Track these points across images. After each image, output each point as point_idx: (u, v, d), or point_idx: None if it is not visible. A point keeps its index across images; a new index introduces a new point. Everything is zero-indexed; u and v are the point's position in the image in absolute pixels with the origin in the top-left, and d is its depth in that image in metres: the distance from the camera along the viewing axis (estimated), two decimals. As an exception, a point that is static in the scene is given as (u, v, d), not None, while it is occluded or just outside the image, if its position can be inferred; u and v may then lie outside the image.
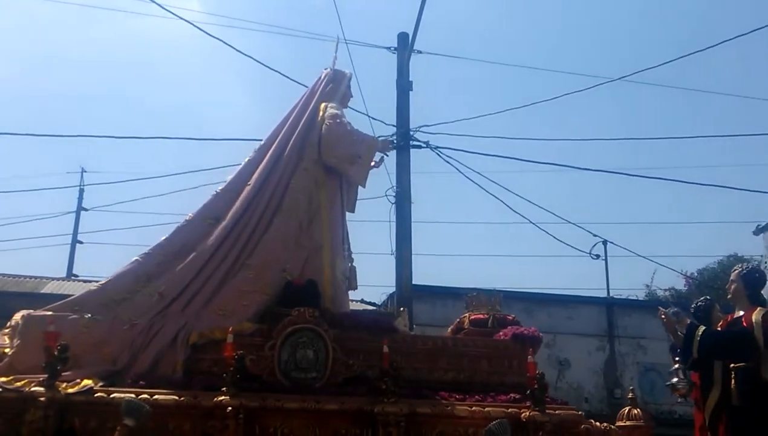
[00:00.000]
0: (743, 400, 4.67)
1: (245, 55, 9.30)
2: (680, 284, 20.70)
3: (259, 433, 3.69)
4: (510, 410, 4.01)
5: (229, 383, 3.66)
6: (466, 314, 4.96)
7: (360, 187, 5.10)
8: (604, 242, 12.79)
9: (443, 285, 11.56)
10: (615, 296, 13.49)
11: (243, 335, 4.05)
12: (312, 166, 4.72)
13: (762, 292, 5.26)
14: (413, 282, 9.97)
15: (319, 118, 4.87)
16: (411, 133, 11.01)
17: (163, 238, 4.43)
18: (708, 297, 5.93)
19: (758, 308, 4.87)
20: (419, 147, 11.08)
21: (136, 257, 4.33)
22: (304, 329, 4.07)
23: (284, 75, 9.39)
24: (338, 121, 4.82)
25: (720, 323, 5.15)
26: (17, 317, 4.19)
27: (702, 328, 4.85)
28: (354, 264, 4.89)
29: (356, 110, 11.12)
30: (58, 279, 11.98)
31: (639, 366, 11.73)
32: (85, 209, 17.86)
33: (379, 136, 4.93)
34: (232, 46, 8.98)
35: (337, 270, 4.64)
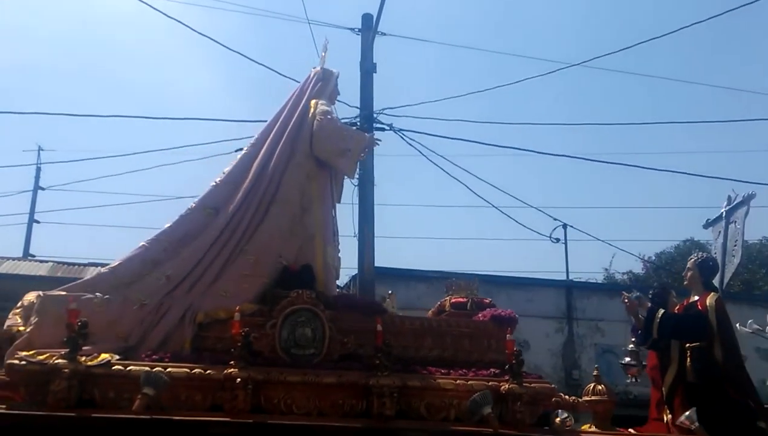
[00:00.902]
0: (698, 377, 5.16)
1: (205, 36, 9.48)
2: (638, 268, 21.43)
3: (264, 404, 4.01)
4: (490, 383, 4.39)
5: (237, 358, 3.97)
6: (447, 298, 5.34)
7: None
8: (564, 226, 13.08)
9: (405, 267, 11.70)
10: (574, 280, 13.85)
11: (245, 314, 4.36)
12: (304, 160, 5.05)
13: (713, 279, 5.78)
14: (375, 264, 9.93)
15: (310, 114, 5.20)
16: (374, 115, 11.01)
17: (167, 225, 4.71)
18: (664, 283, 6.41)
19: (711, 293, 5.38)
20: (382, 129, 11.06)
21: (143, 243, 4.61)
22: (302, 309, 4.39)
23: (244, 55, 9.51)
24: (329, 117, 5.16)
25: (677, 307, 5.63)
26: (30, 297, 4.44)
27: (662, 311, 5.32)
28: (339, 255, 5.23)
29: None
30: (14, 259, 11.75)
31: (597, 348, 12.13)
32: (42, 188, 17.71)
33: (367, 133, 5.22)
34: (190, 27, 9.11)
35: (328, 257, 4.98)
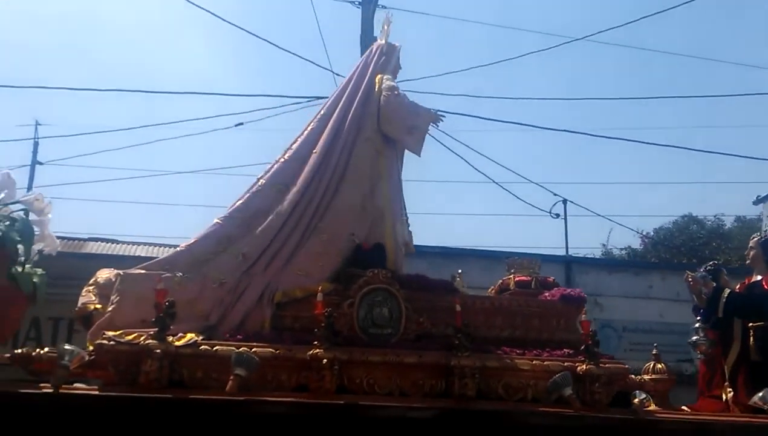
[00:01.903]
0: (762, 355, 5.17)
1: (201, 8, 9.45)
2: (636, 243, 21.52)
3: (348, 383, 4.01)
4: (566, 363, 4.40)
5: (322, 338, 3.96)
6: (510, 276, 5.33)
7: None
8: (564, 202, 13.11)
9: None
10: (573, 255, 13.89)
11: (323, 294, 4.34)
12: (373, 136, 5.00)
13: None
14: None
15: (376, 89, 5.13)
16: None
17: (240, 202, 4.67)
18: (716, 261, 6.40)
19: (776, 273, 5.36)
20: None
21: (217, 220, 4.57)
22: (379, 288, 4.38)
23: (241, 28, 9.40)
24: (395, 93, 5.09)
25: (738, 286, 5.62)
26: (104, 274, 4.42)
27: (727, 290, 5.32)
28: (410, 229, 5.20)
29: (319, 66, 11.34)
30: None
31: (596, 322, 12.23)
32: (40, 163, 17.62)
33: (434, 110, 5.16)
34: None
35: (398, 234, 4.94)
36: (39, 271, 3.99)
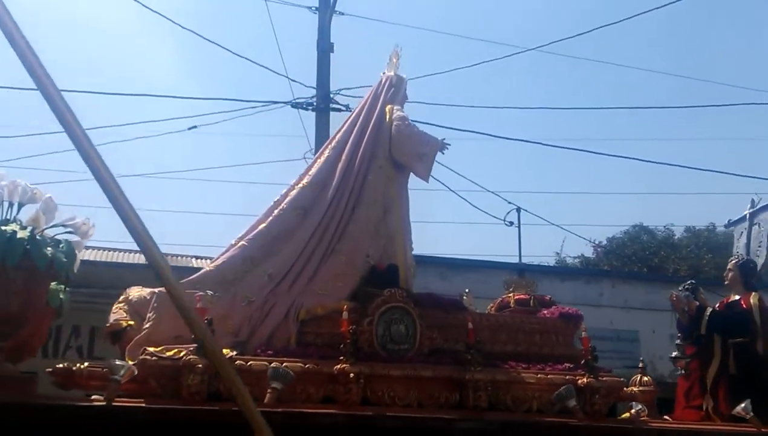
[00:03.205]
0: (740, 370, 5.60)
1: (156, 12, 9.64)
2: (589, 252, 22.17)
3: (370, 396, 4.30)
4: (568, 377, 4.75)
5: (347, 353, 4.25)
6: (510, 294, 5.68)
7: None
8: (518, 210, 13.35)
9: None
10: (527, 263, 14.20)
11: (340, 312, 4.64)
12: (385, 163, 5.33)
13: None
14: None
15: (387, 119, 5.47)
16: (331, 95, 11.28)
17: (263, 226, 4.96)
18: (693, 281, 6.85)
19: (753, 293, 5.82)
20: (339, 110, 11.35)
21: (243, 242, 4.85)
22: (396, 307, 4.69)
23: (197, 34, 9.66)
24: (406, 123, 5.44)
25: (717, 305, 6.06)
26: (135, 292, 4.65)
27: (709, 308, 5.75)
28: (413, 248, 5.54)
29: (274, 72, 11.62)
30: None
31: None
32: None
33: (441, 138, 5.51)
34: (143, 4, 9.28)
35: (408, 256, 5.27)
36: (63, 287, 4.21)
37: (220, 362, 2.74)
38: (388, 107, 5.53)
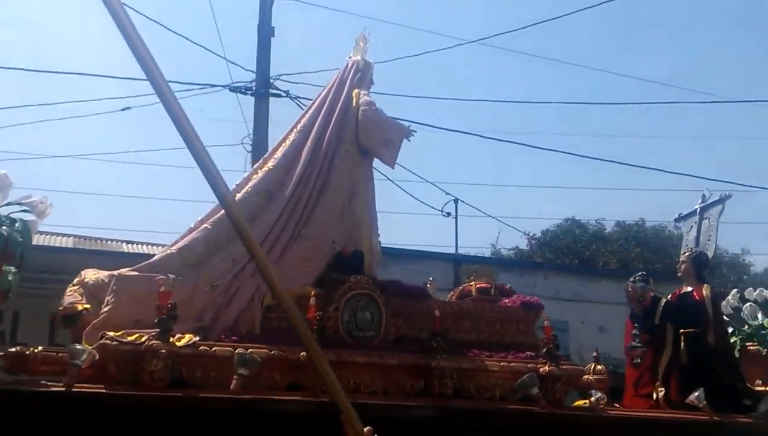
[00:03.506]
0: (691, 360, 5.75)
1: None
2: (524, 244, 22.67)
3: (336, 383, 4.25)
4: (530, 365, 4.80)
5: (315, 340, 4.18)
6: (472, 283, 5.70)
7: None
8: (456, 201, 13.48)
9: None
10: (463, 253, 14.39)
11: (305, 297, 4.56)
12: (351, 148, 5.27)
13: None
14: None
15: (354, 104, 5.40)
16: (271, 81, 11.08)
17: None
18: (644, 272, 6.99)
19: (705, 285, 5.97)
20: (279, 96, 11.16)
21: (206, 225, 4.72)
22: (361, 294, 4.64)
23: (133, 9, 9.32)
24: (373, 108, 5.38)
25: (669, 296, 6.20)
26: (90, 275, 4.49)
27: (664, 299, 5.88)
28: (379, 239, 5.49)
29: (214, 53, 11.45)
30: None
31: None
32: None
33: (407, 125, 5.47)
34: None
35: (373, 242, 5.23)
36: (12, 268, 4.03)
37: (317, 353, 2.72)
38: (354, 92, 5.46)
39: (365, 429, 2.53)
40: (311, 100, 10.43)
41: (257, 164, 5.28)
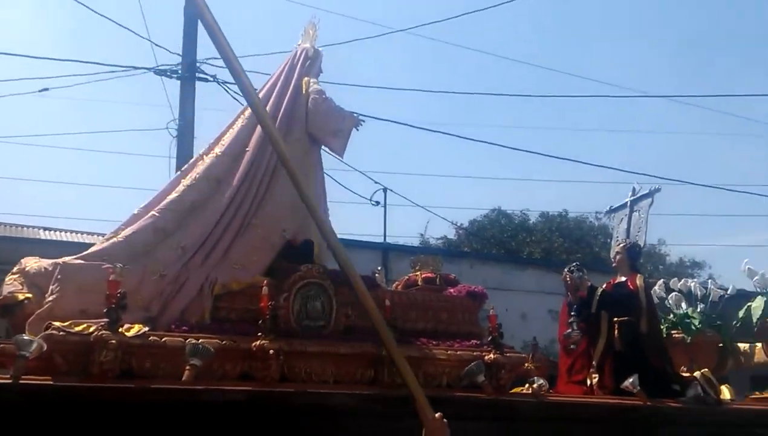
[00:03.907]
0: (625, 347, 5.99)
1: None
2: (452, 234, 23.15)
3: (288, 372, 4.25)
4: (476, 353, 4.90)
5: (267, 329, 4.17)
6: (418, 273, 5.77)
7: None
8: (384, 190, 13.57)
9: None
10: (391, 242, 14.53)
11: (256, 287, 4.54)
12: (301, 137, 5.24)
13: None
14: None
15: (304, 92, 5.36)
16: (197, 64, 10.88)
17: (174, 195, 4.73)
18: (578, 263, 7.23)
19: (639, 275, 6.23)
20: (206, 80, 10.98)
21: (153, 212, 4.61)
22: (312, 283, 4.64)
23: None
24: (323, 97, 5.35)
25: (604, 285, 6.44)
26: (31, 263, 4.33)
27: (600, 289, 6.10)
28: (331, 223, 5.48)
29: (137, 34, 11.26)
30: None
31: None
32: None
33: (356, 115, 5.48)
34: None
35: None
36: None
37: (392, 347, 3.16)
38: (304, 80, 5.42)
39: (436, 414, 2.88)
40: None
41: (203, 150, 5.18)
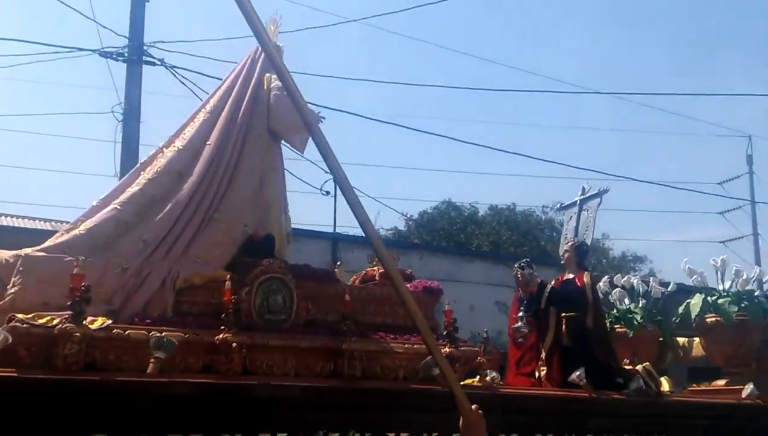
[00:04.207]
0: (572, 341, 6.24)
1: None
2: (402, 225, 23.41)
3: (249, 366, 4.32)
4: (432, 347, 5.04)
5: (230, 323, 4.24)
6: (375, 268, 5.89)
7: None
8: (335, 180, 13.52)
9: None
10: (341, 232, 14.55)
11: (218, 281, 4.60)
12: (263, 133, 5.29)
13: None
14: None
15: (265, 88, 5.42)
16: (144, 47, 10.79)
17: (136, 188, 4.74)
18: (528, 259, 7.47)
19: (586, 272, 6.47)
20: (153, 64, 10.87)
21: (115, 205, 4.61)
22: (273, 277, 4.71)
23: None
24: (284, 93, 5.40)
25: (553, 281, 6.68)
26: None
27: (549, 286, 6.33)
28: (290, 217, 5.57)
29: (82, 14, 11.10)
30: None
31: None
32: None
33: (317, 112, 5.56)
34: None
35: (282, 227, 5.30)
36: None
37: (434, 346, 3.31)
38: (266, 76, 5.47)
39: (472, 406, 3.08)
40: (188, 70, 10.21)
41: (163, 143, 5.18)
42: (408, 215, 22.92)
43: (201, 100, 10.37)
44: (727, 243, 26.18)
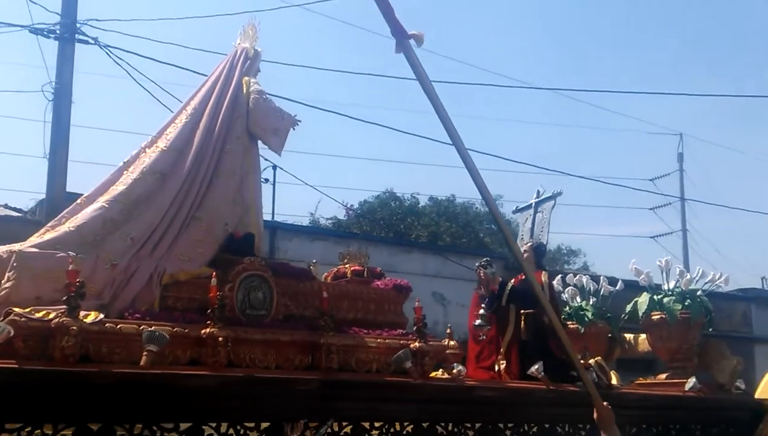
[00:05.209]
0: (531, 336, 6.63)
1: None
2: (342, 214, 23.60)
3: (234, 359, 4.54)
4: (402, 342, 5.35)
5: (216, 318, 4.45)
6: (347, 266, 6.16)
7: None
8: (274, 167, 13.61)
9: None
10: (280, 221, 14.64)
11: (202, 277, 4.81)
12: (242, 135, 5.50)
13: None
14: (68, 190, 9.40)
15: (245, 92, 5.63)
16: (78, 25, 10.54)
17: (122, 187, 4.90)
18: (488, 258, 7.84)
19: (543, 272, 6.86)
20: (86, 42, 10.63)
21: (103, 203, 4.77)
22: (254, 274, 4.94)
23: None
24: (264, 97, 5.64)
25: (512, 280, 7.05)
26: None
27: (510, 284, 6.70)
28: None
29: None
30: None
31: None
32: None
33: (294, 115, 5.79)
34: None
35: (260, 226, 5.52)
36: None
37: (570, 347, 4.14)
38: (245, 79, 5.68)
39: (605, 403, 3.79)
40: (124, 50, 10.06)
41: (146, 143, 5.35)
42: (348, 205, 22.92)
43: (136, 81, 10.51)
44: (657, 238, 27.35)
